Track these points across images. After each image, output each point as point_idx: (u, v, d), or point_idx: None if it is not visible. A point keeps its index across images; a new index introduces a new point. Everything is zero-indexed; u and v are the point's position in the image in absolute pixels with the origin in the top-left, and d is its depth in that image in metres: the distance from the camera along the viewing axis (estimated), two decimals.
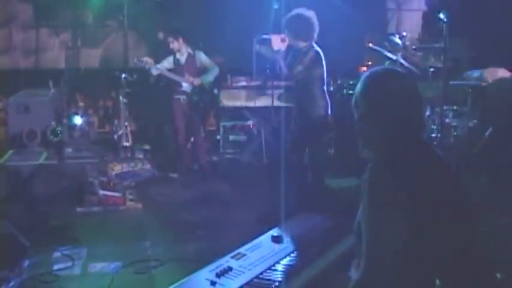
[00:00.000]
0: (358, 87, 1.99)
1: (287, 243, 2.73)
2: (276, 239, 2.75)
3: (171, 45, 6.61)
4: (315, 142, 4.94)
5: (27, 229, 4.27)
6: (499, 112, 5.23)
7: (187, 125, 6.76)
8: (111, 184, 5.75)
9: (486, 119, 5.44)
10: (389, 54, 6.39)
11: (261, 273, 2.40)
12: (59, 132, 7.24)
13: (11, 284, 3.65)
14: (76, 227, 4.80)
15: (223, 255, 2.56)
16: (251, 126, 7.60)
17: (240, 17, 7.71)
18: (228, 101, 7.30)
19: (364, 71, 3.01)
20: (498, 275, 2.10)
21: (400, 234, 1.76)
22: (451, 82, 5.79)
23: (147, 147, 7.56)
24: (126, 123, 7.21)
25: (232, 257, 2.53)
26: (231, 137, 7.62)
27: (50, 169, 6.31)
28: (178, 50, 6.64)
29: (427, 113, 6.07)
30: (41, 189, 5.64)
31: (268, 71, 6.69)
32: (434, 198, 1.82)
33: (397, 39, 6.59)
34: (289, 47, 4.93)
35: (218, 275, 2.33)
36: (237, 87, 7.36)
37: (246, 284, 2.30)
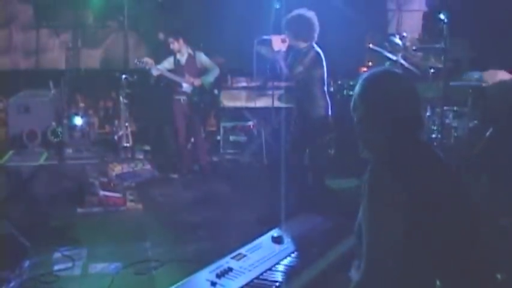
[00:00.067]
0: (356, 89, 2.00)
1: (287, 244, 2.73)
2: (277, 240, 2.75)
3: (172, 46, 6.60)
4: (315, 143, 4.94)
5: (27, 230, 4.26)
6: (499, 113, 5.21)
7: (187, 126, 6.75)
8: (112, 185, 5.74)
9: (486, 119, 5.42)
10: (390, 55, 6.39)
11: (262, 274, 2.40)
12: (59, 132, 7.25)
13: (12, 284, 3.65)
14: (76, 228, 4.80)
15: (223, 255, 2.56)
16: (251, 126, 7.60)
17: (241, 17, 7.71)
18: (229, 101, 7.31)
19: (364, 72, 3.00)
20: (499, 276, 2.10)
21: (400, 235, 1.76)
22: (451, 83, 5.78)
23: (147, 147, 7.57)
24: (127, 124, 7.22)
25: (232, 258, 2.53)
26: (231, 138, 7.62)
27: (50, 170, 6.32)
28: (179, 51, 6.64)
29: (428, 114, 6.07)
30: (41, 190, 5.64)
31: (268, 71, 6.65)
32: (435, 199, 1.82)
33: (397, 40, 6.59)
34: (289, 48, 4.92)
35: (218, 276, 2.33)
36: (237, 88, 7.37)
37: (247, 284, 2.30)
